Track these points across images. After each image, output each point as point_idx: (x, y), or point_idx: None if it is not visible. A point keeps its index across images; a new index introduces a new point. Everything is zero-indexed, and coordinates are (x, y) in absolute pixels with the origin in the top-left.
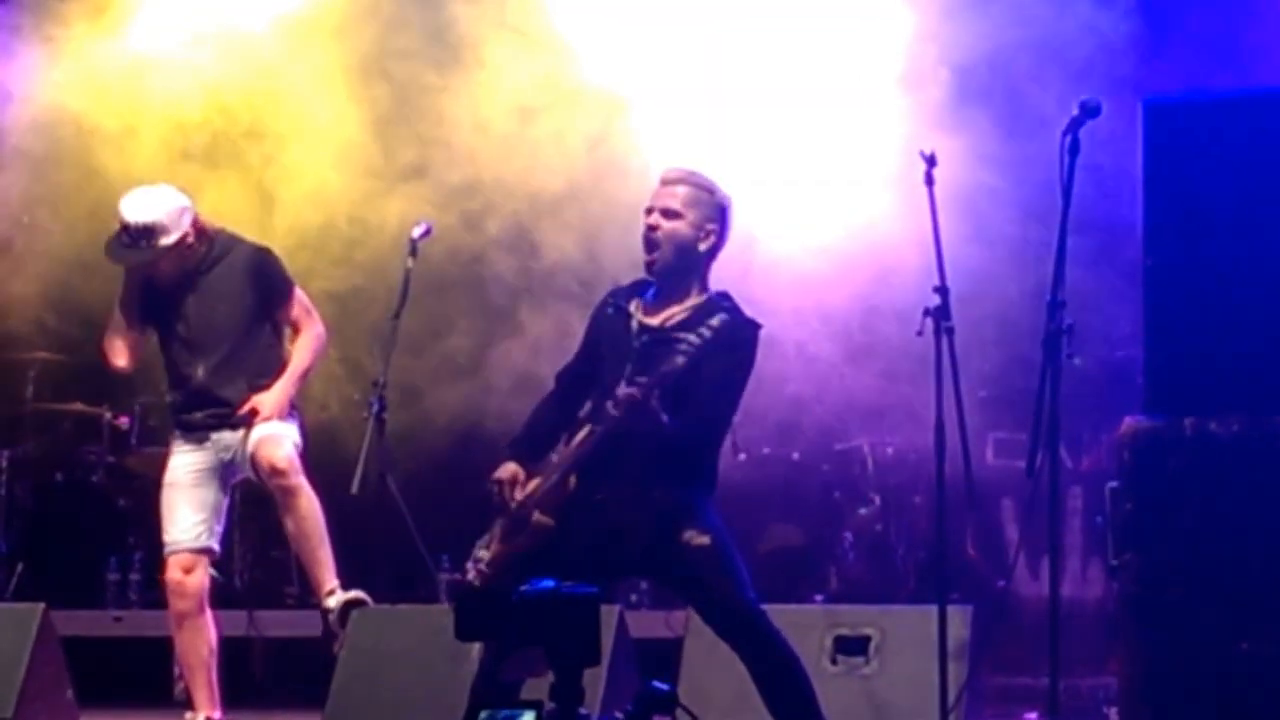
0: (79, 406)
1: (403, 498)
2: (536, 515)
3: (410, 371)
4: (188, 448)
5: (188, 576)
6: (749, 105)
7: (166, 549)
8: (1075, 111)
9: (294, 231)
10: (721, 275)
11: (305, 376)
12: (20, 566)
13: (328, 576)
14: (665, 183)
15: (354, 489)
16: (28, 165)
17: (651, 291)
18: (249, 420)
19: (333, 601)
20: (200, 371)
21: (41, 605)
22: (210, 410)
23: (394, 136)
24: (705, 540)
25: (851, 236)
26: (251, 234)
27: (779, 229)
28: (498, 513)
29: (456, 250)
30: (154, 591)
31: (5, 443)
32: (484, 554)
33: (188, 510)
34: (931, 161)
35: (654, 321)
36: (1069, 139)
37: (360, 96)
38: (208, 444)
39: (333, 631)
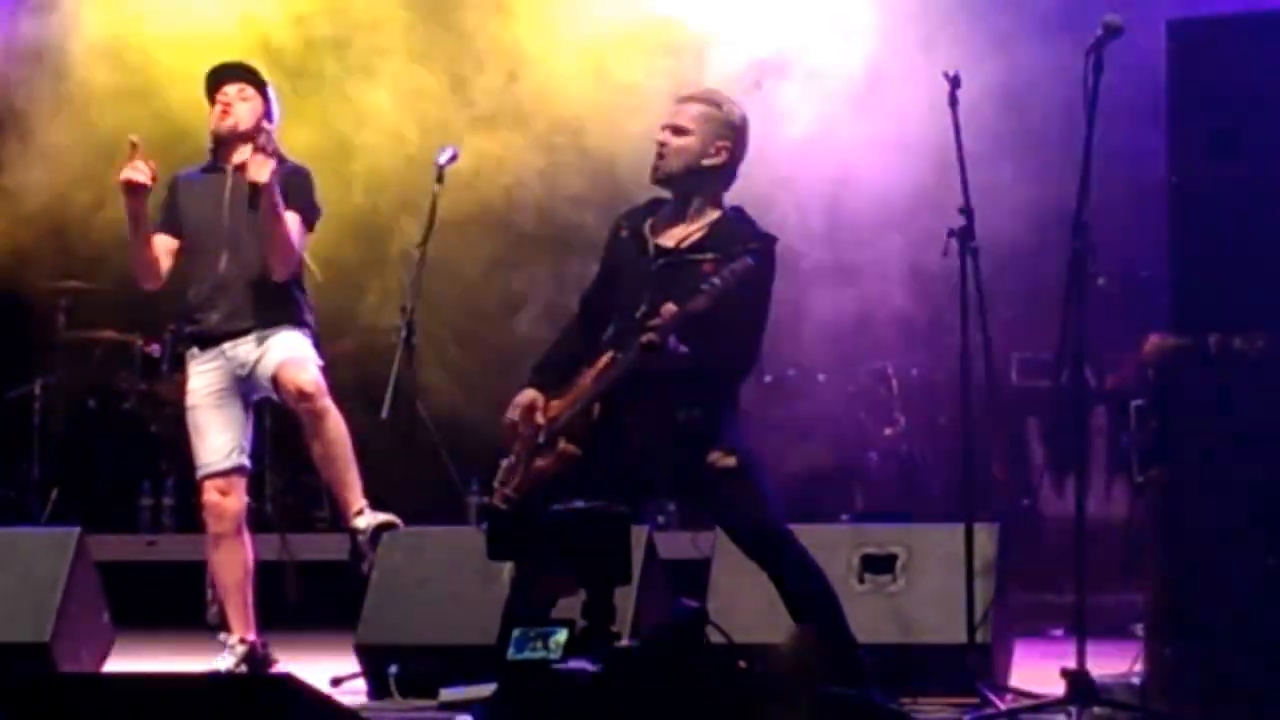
0: (110, 334)
1: (434, 423)
2: (562, 444)
3: (471, 307)
4: (204, 366)
5: (225, 498)
6: None
7: (200, 472)
8: (1099, 31)
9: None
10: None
11: (279, 216)
12: (55, 493)
13: (355, 497)
14: (679, 101)
15: (384, 413)
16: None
17: (666, 209)
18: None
19: (362, 522)
20: (221, 265)
21: (77, 529)
22: (223, 314)
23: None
24: (731, 461)
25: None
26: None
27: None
28: (518, 438)
29: (537, 191)
30: (187, 516)
31: (38, 371)
32: (507, 479)
33: (215, 430)
34: (955, 82)
35: (669, 242)
36: (1093, 58)
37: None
38: (221, 359)
39: (361, 552)
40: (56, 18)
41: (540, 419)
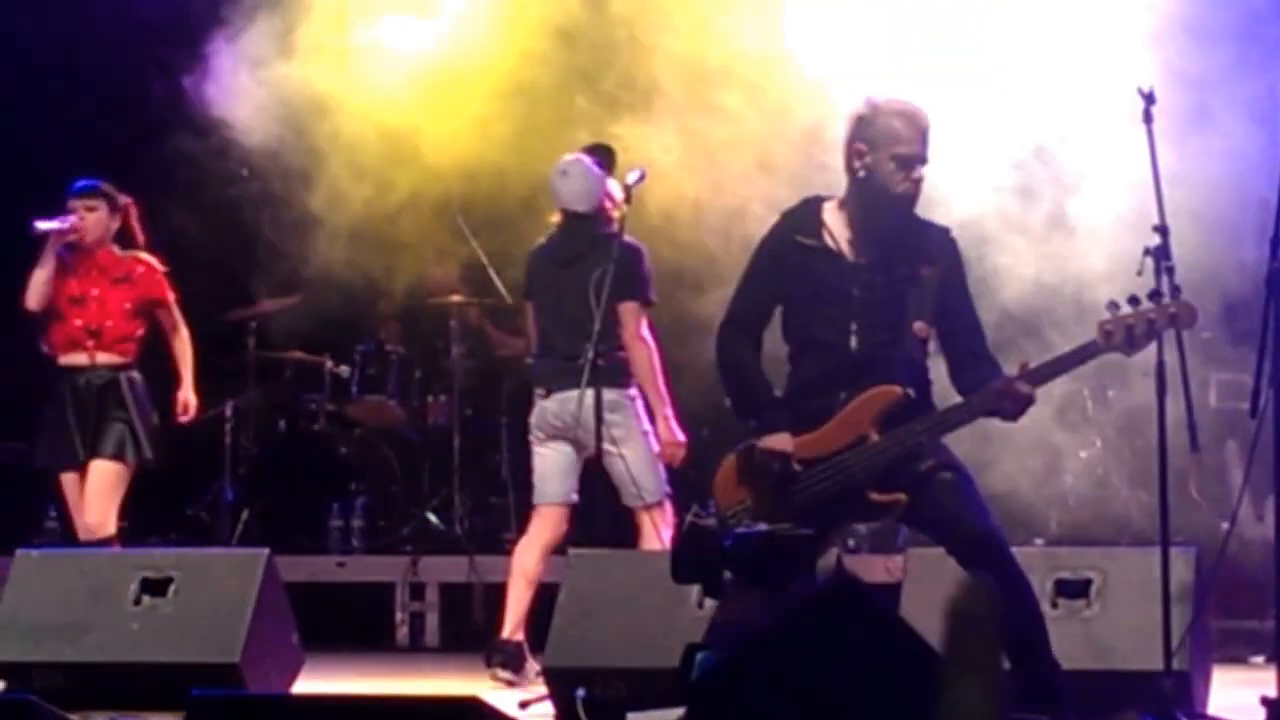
0: (300, 355)
1: None
2: (879, 495)
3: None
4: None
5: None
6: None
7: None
8: None
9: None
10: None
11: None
12: (245, 513)
13: None
14: (924, 127)
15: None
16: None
17: (857, 218)
18: None
19: None
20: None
21: (266, 550)
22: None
23: None
24: (949, 473)
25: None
26: None
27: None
28: (767, 480)
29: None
30: (375, 537)
31: (230, 392)
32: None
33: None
34: (1150, 99)
35: (864, 259)
36: None
37: None
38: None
39: None
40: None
41: (794, 463)
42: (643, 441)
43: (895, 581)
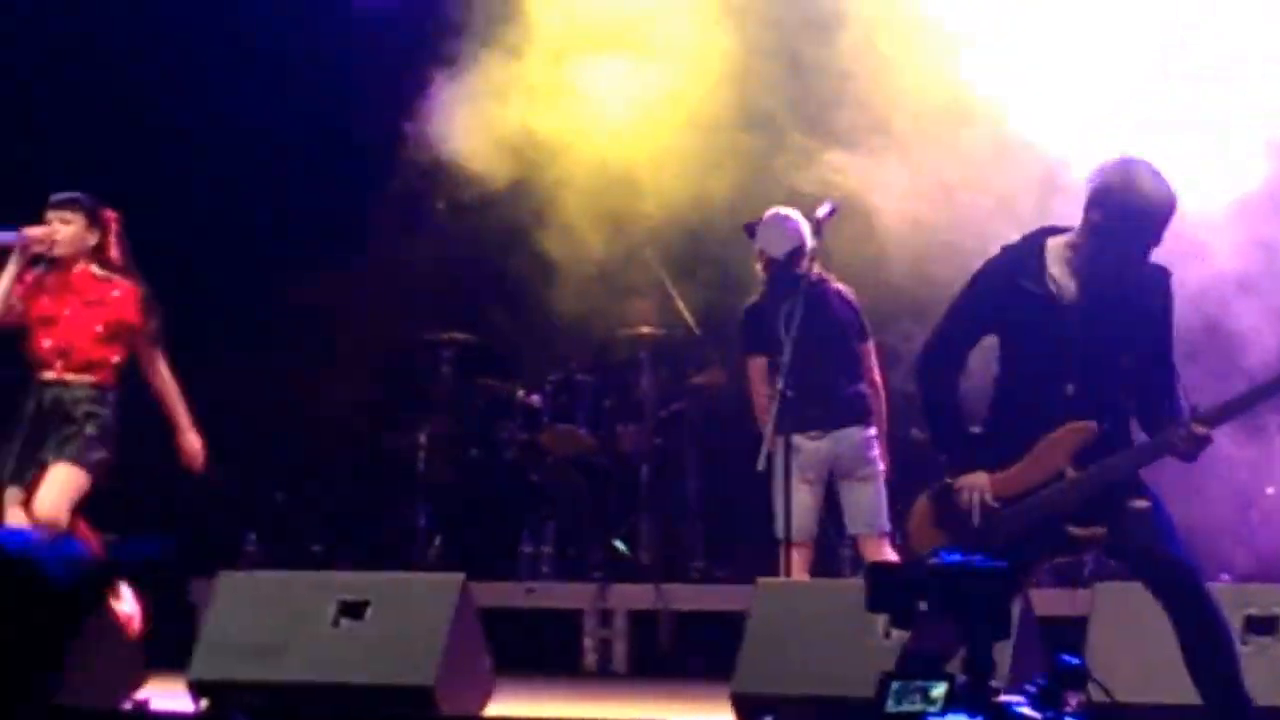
0: (492, 384)
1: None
2: (1079, 530)
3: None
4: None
5: None
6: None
7: None
8: None
9: None
10: None
11: None
12: (437, 539)
13: None
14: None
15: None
16: None
17: (1084, 263)
18: None
19: None
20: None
21: (461, 575)
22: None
23: None
24: (1145, 503)
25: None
26: None
27: None
28: (965, 519)
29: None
30: (566, 564)
31: (423, 421)
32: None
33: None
34: None
35: (1085, 303)
36: None
37: None
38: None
39: None
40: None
41: (991, 500)
42: (881, 476)
43: (1080, 615)
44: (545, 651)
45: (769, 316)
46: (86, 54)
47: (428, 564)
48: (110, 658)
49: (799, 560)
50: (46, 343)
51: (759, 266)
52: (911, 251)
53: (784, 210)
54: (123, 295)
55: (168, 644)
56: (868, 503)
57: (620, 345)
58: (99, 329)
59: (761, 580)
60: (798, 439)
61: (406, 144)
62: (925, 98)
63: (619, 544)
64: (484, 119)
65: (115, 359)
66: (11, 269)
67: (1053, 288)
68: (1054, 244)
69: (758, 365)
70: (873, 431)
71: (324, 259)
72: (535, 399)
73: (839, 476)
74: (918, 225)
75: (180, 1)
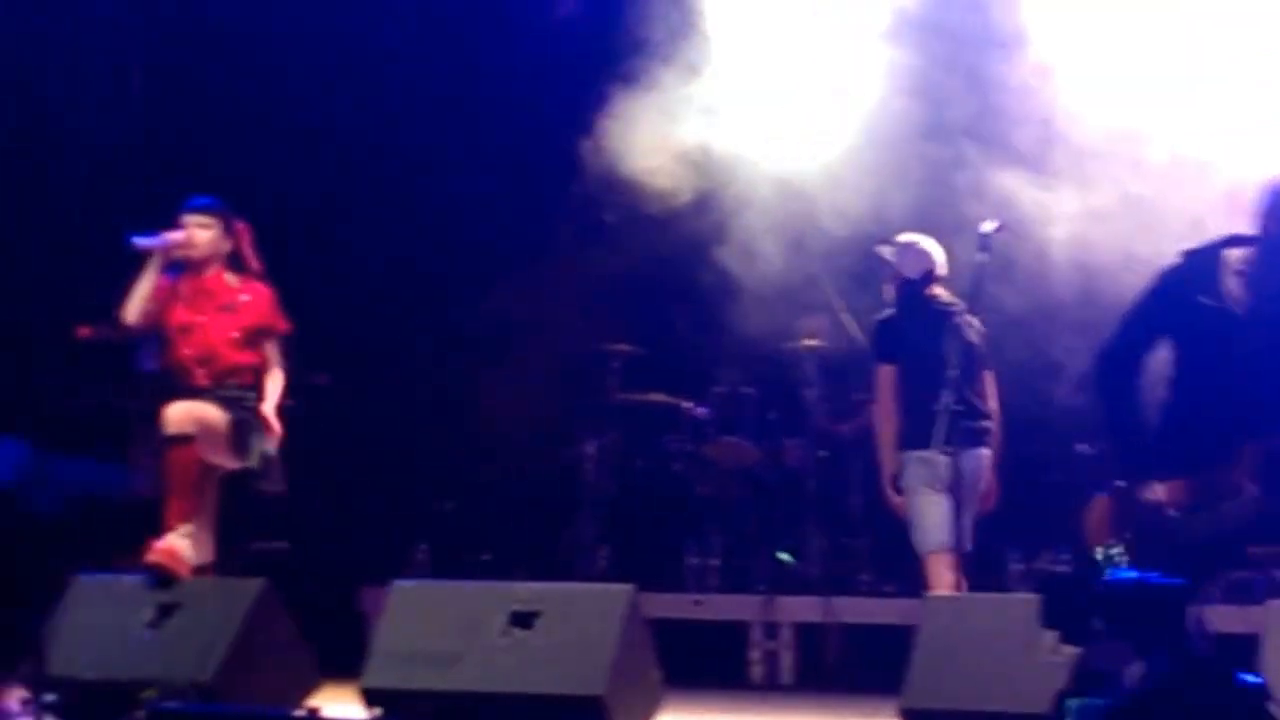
0: (659, 397)
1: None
2: (1259, 547)
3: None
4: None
5: None
6: None
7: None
8: None
9: None
10: None
11: None
12: (605, 550)
13: None
14: None
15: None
16: None
17: (1257, 271)
18: None
19: None
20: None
21: (631, 586)
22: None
23: None
24: None
25: None
26: None
27: None
28: (1142, 527)
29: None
30: (732, 576)
31: (592, 433)
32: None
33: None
34: None
35: (1258, 313)
36: None
37: None
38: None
39: None
40: None
41: (1171, 511)
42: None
43: (1251, 632)
44: (711, 663)
45: (901, 332)
46: (263, 70)
47: (595, 575)
48: (283, 663)
49: (947, 571)
50: (187, 351)
51: (889, 287)
52: (1083, 270)
53: (915, 236)
54: (255, 299)
55: (338, 652)
56: (968, 522)
57: (787, 358)
58: (235, 335)
59: (931, 594)
60: (929, 453)
61: (586, 159)
62: (1101, 117)
63: (784, 556)
64: (662, 135)
65: (253, 362)
66: (151, 273)
67: (1225, 299)
68: (1231, 255)
69: (887, 372)
70: (989, 454)
71: (501, 273)
72: (702, 411)
73: (953, 493)
74: (1088, 245)
75: (363, 19)
